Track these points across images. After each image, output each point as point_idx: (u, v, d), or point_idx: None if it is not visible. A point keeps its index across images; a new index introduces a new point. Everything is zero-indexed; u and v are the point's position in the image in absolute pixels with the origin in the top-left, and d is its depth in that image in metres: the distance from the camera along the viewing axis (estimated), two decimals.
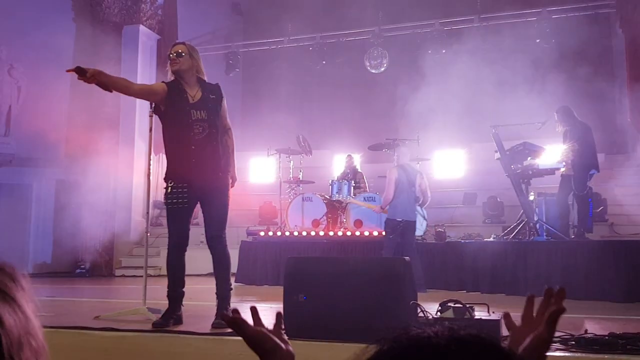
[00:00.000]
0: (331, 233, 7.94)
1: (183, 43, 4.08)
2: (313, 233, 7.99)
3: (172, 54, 3.95)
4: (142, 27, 10.52)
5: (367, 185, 8.93)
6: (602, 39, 11.17)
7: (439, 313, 3.27)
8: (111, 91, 3.88)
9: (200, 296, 4.92)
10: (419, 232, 7.04)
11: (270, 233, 8.31)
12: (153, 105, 4.10)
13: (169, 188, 3.92)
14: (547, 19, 10.16)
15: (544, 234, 6.51)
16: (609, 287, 5.43)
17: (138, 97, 3.99)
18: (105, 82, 3.79)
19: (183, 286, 4.03)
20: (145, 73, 10.35)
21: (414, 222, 6.59)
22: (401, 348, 0.70)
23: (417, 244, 7.36)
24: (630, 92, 8.70)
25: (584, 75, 9.41)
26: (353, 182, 8.75)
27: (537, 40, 10.47)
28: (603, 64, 10.95)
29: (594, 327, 3.31)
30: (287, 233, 8.15)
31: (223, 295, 3.94)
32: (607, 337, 2.92)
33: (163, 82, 3.99)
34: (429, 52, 10.94)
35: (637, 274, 5.45)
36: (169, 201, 3.93)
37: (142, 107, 8.84)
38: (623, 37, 9.27)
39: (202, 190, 3.90)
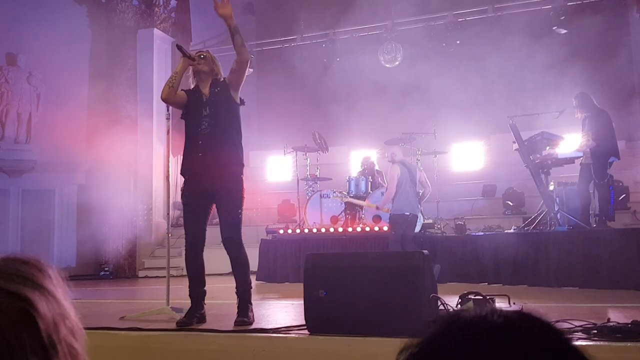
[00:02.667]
0: (350, 229, 7.96)
1: (207, 51, 4.27)
2: (332, 230, 8.01)
3: (197, 56, 4.09)
4: (156, 31, 10.62)
5: (385, 180, 8.92)
6: (620, 24, 10.99)
7: (459, 305, 3.27)
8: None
9: (222, 295, 4.98)
10: (417, 228, 7.05)
11: (290, 231, 8.35)
12: (170, 109, 4.26)
13: (185, 183, 4.07)
14: (562, 7, 10.02)
15: (565, 223, 6.45)
16: (632, 275, 5.37)
17: (175, 101, 4.07)
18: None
19: (204, 285, 4.08)
20: (160, 76, 10.44)
21: (417, 216, 6.66)
22: (460, 331, 0.68)
23: (438, 237, 7.36)
24: None
25: (601, 62, 9.29)
26: (371, 177, 8.76)
27: (553, 28, 10.33)
28: (621, 49, 10.76)
29: (617, 316, 3.28)
30: (306, 230, 8.19)
31: (243, 293, 3.98)
32: (630, 325, 2.90)
33: (182, 90, 4.12)
34: (443, 44, 10.87)
35: None
36: (184, 199, 4.06)
37: (160, 110, 8.95)
38: None
39: (213, 187, 3.95)
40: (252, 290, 4.07)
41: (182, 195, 4.11)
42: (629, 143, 9.84)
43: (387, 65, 11.43)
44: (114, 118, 10.16)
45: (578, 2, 10.06)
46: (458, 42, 10.74)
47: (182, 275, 9.06)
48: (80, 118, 10.11)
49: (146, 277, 9.40)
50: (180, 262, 9.43)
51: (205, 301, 4.09)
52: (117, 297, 6.78)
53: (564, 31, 10.11)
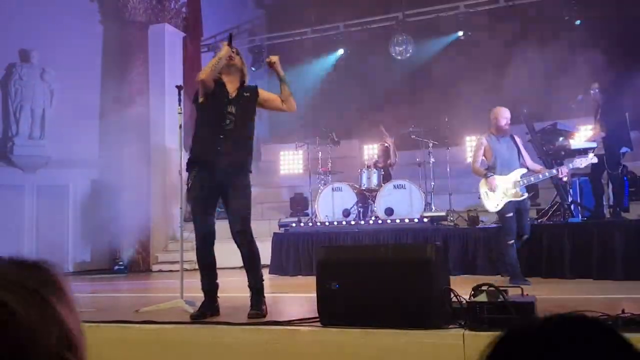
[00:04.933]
0: (362, 222, 7.96)
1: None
2: (344, 222, 8.02)
3: (233, 49, 4.16)
4: (167, 26, 10.65)
5: (395, 152, 8.86)
6: (631, 13, 10.84)
7: (472, 297, 3.27)
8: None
9: (234, 288, 5.01)
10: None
11: (302, 224, 8.37)
12: (182, 103, 4.33)
13: (193, 175, 4.06)
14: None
15: (579, 214, 6.41)
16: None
17: (209, 85, 4.10)
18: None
19: (216, 278, 4.12)
20: (172, 71, 10.49)
21: None
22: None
23: (450, 229, 7.33)
24: None
25: (613, 52, 9.16)
26: (383, 170, 8.76)
27: (566, 18, 10.22)
28: (633, 39, 10.62)
29: (632, 307, 3.26)
30: (319, 223, 8.21)
31: (255, 287, 4.01)
32: None
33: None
34: (455, 35, 10.79)
35: None
36: (193, 193, 4.07)
37: (172, 104, 8.96)
38: None
39: (224, 181, 3.99)
40: (264, 283, 4.09)
41: (189, 188, 4.11)
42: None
43: (399, 58, 11.37)
44: (127, 112, 10.21)
45: None
46: (470, 33, 10.65)
47: (195, 269, 9.06)
48: (93, 113, 10.18)
49: (160, 271, 9.47)
50: (194, 255, 9.45)
51: (219, 294, 4.12)
52: (131, 291, 6.85)
53: (578, 22, 10.00)
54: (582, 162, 5.72)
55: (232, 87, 4.13)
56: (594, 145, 6.62)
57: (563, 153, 6.64)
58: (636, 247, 5.53)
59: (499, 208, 5.65)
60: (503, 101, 10.80)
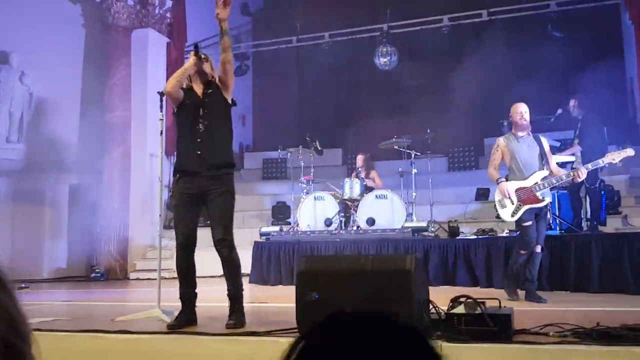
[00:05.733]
0: (343, 231, 7.96)
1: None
2: (326, 232, 8.01)
3: (202, 55, 4.14)
4: (151, 31, 10.59)
5: (380, 182, 8.93)
6: (613, 30, 11.07)
7: (450, 309, 3.28)
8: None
9: (214, 297, 4.96)
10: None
11: (283, 233, 8.34)
12: (164, 109, 4.33)
13: (175, 183, 4.10)
14: (556, 12, 10.07)
15: (557, 227, 6.48)
16: (622, 279, 5.41)
17: (176, 96, 4.12)
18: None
19: (194, 287, 4.07)
20: (155, 76, 10.42)
21: None
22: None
23: (430, 240, 7.36)
24: None
25: (595, 67, 9.33)
26: (365, 180, 8.78)
27: (547, 33, 10.39)
28: (614, 55, 10.83)
29: (606, 320, 3.29)
30: (300, 232, 8.19)
31: (234, 296, 3.98)
32: (618, 329, 2.92)
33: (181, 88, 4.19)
34: (438, 48, 10.90)
35: None
36: (174, 200, 4.09)
37: (154, 110, 8.90)
38: (633, 28, 9.15)
39: (206, 188, 3.97)
40: (243, 292, 4.07)
41: (171, 195, 4.13)
42: (620, 147, 9.85)
43: (383, 68, 11.45)
44: (107, 118, 10.13)
45: (572, 7, 10.10)
46: (453, 46, 10.77)
47: (173, 278, 8.98)
48: (73, 117, 10.07)
49: (138, 279, 9.36)
50: (172, 264, 9.35)
51: (198, 303, 4.08)
52: (108, 299, 6.75)
53: (559, 35, 10.17)
54: (613, 158, 5.07)
55: (200, 89, 4.14)
56: (572, 159, 6.72)
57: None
58: (612, 260, 5.60)
59: (517, 217, 5.13)
60: (485, 113, 10.97)
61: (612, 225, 7.52)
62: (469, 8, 10.60)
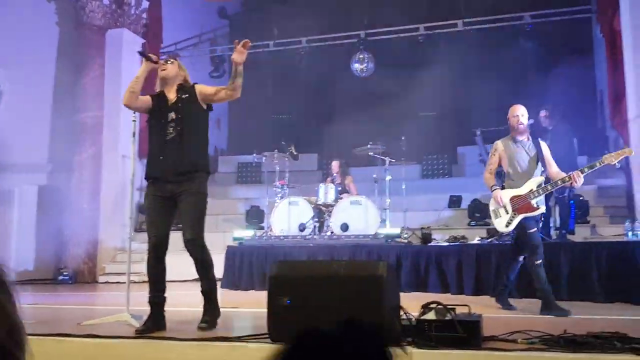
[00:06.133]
0: (317, 237, 7.96)
1: (175, 58, 4.36)
2: (299, 237, 8.00)
3: (152, 58, 4.09)
4: (126, 31, 10.47)
5: (355, 188, 8.96)
6: (584, 43, 11.32)
7: (421, 315, 3.30)
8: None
9: (185, 302, 4.91)
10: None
11: (257, 237, 8.31)
12: (137, 113, 4.33)
13: (147, 187, 4.06)
14: (529, 24, 10.27)
15: None
16: (590, 288, 5.51)
17: (137, 106, 4.13)
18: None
19: (164, 291, 4.03)
20: (129, 77, 10.20)
21: None
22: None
23: (403, 246, 7.40)
24: (612, 96, 8.81)
25: (566, 79, 9.53)
26: (340, 186, 8.80)
27: (520, 45, 10.59)
28: (585, 68, 11.08)
29: (573, 327, 3.35)
30: (274, 237, 8.16)
31: (208, 291, 3.99)
32: (584, 337, 2.97)
33: (149, 94, 4.16)
34: (415, 56, 11.01)
35: (617, 275, 5.54)
36: (147, 203, 4.05)
37: (127, 111, 8.79)
38: (604, 41, 9.38)
39: (177, 192, 3.95)
40: (216, 287, 4.06)
41: (145, 198, 4.08)
42: (591, 158, 10.08)
43: (360, 75, 11.52)
44: (80, 118, 9.97)
45: (546, 20, 10.31)
46: (428, 54, 10.89)
47: (143, 282, 8.87)
48: (44, 116, 9.89)
49: (107, 282, 9.21)
50: (143, 267, 9.24)
51: (167, 308, 4.04)
52: (75, 303, 6.62)
53: (530, 45, 10.38)
54: (612, 160, 4.64)
55: (172, 94, 4.09)
56: (542, 168, 6.82)
57: None
58: (580, 269, 5.70)
59: (511, 227, 4.86)
60: (458, 122, 11.08)
61: (581, 234, 7.67)
62: (444, 18, 10.74)
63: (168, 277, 4.07)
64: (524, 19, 10.31)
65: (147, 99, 4.10)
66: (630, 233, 6.20)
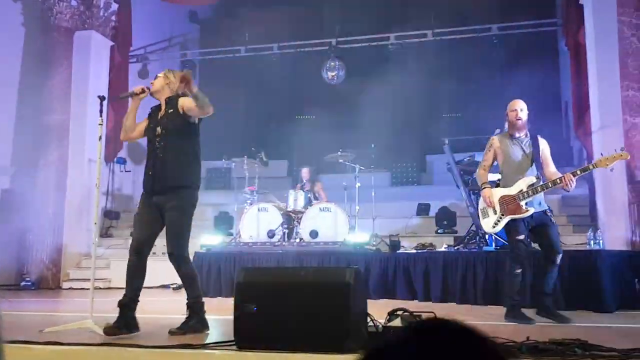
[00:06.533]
0: (286, 243, 7.94)
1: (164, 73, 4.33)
2: (268, 244, 7.97)
3: (136, 93, 4.22)
4: (94, 33, 10.32)
5: (325, 195, 8.98)
6: (550, 55, 11.61)
7: (387, 322, 3.32)
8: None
9: (152, 308, 4.84)
10: None
11: (225, 244, 8.24)
12: (103, 114, 4.28)
13: (140, 199, 4.21)
14: (497, 35, 10.49)
15: (493, 243, 6.69)
16: (553, 295, 5.60)
17: (134, 137, 4.31)
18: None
19: (135, 294, 4.03)
20: (97, 79, 10.15)
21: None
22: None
23: (371, 253, 7.44)
24: (576, 107, 9.04)
25: (532, 90, 9.74)
26: (310, 193, 8.81)
27: (488, 55, 10.80)
28: (550, 79, 11.36)
29: (536, 334, 3.41)
30: (242, 244, 8.11)
31: (190, 305, 4.07)
32: (547, 343, 3.03)
33: (150, 110, 4.29)
34: (385, 64, 11.12)
35: (580, 283, 5.66)
36: (137, 209, 4.22)
37: (93, 114, 8.66)
38: (569, 54, 9.63)
39: (160, 203, 4.03)
40: (199, 300, 4.09)
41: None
42: (558, 169, 10.30)
43: (331, 82, 11.58)
44: (45, 120, 9.77)
45: (513, 31, 10.54)
46: (398, 63, 11.01)
47: (108, 288, 8.76)
48: (8, 118, 9.66)
49: (71, 288, 9.02)
50: (108, 273, 9.16)
51: (145, 314, 4.03)
52: (38, 309, 6.45)
53: (497, 56, 10.59)
54: (607, 164, 4.40)
55: (162, 108, 4.18)
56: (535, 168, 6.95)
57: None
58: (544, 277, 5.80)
59: (497, 229, 4.65)
60: (427, 131, 11.20)
61: None
62: (415, 27, 10.88)
63: (148, 283, 4.08)
64: (491, 30, 10.53)
65: (142, 126, 4.21)
66: (592, 242, 6.36)
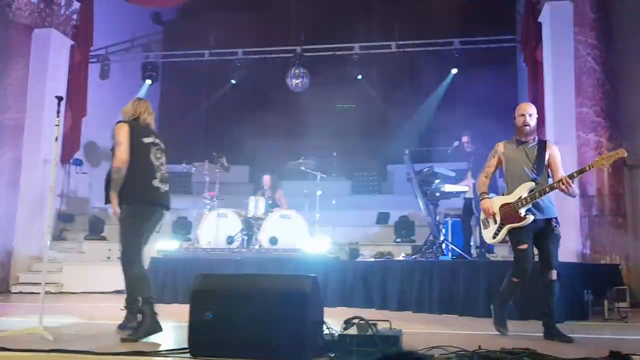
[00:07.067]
0: (245, 250, 7.90)
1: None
2: (227, 250, 7.91)
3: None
4: (54, 31, 10.07)
5: (286, 202, 8.97)
6: (510, 70, 11.92)
7: (343, 330, 3.34)
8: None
9: (110, 314, 4.74)
10: None
11: (182, 250, 8.14)
12: (60, 114, 4.21)
13: None
14: (458, 49, 10.72)
15: (449, 253, 6.81)
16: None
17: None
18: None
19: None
20: (55, 79, 9.90)
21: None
22: None
23: (330, 261, 7.47)
24: None
25: (491, 104, 9.99)
26: (270, 200, 8.79)
27: (450, 69, 11.02)
28: (509, 94, 11.66)
29: (488, 343, 3.49)
30: (200, 250, 8.02)
31: (128, 308, 4.27)
32: (497, 352, 3.10)
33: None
34: (349, 74, 11.22)
35: (532, 293, 5.80)
36: None
37: (50, 114, 8.44)
38: (527, 70, 9.91)
39: None
40: (138, 305, 4.11)
41: None
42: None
43: (295, 90, 11.60)
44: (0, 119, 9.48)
45: (474, 46, 10.79)
46: (360, 76, 11.13)
47: (60, 292, 8.52)
48: None
49: (20, 292, 8.74)
50: (60, 277, 8.92)
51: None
52: None
53: (454, 71, 10.84)
54: (603, 163, 4.11)
55: None
56: (466, 189, 7.12)
57: (438, 194, 7.06)
58: (498, 287, 5.91)
59: (498, 239, 4.42)
60: (389, 141, 11.33)
61: (500, 253, 8.01)
62: (379, 39, 11.03)
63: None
64: (453, 44, 10.76)
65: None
66: None
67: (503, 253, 8.24)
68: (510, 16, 11.56)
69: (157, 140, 4.45)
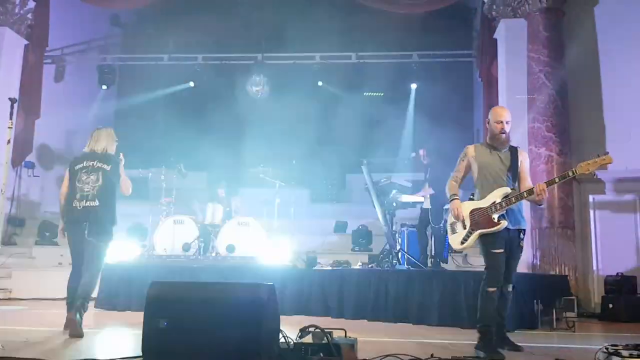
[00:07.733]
0: (201, 257, 7.82)
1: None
2: (183, 257, 7.81)
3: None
4: (7, 30, 9.78)
5: (243, 209, 8.93)
6: (466, 84, 12.24)
7: (299, 338, 3.36)
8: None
9: (50, 321, 4.62)
10: None
11: (137, 256, 8.00)
12: (13, 117, 4.13)
13: None
14: (417, 63, 10.94)
15: (405, 262, 6.92)
16: (458, 314, 5.87)
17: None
18: None
19: None
20: (7, 80, 9.60)
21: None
22: None
23: (287, 269, 7.47)
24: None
25: (447, 117, 10.22)
26: (228, 207, 8.74)
27: (408, 81, 11.24)
28: (465, 107, 11.96)
29: (440, 352, 3.56)
30: (155, 256, 7.90)
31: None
32: None
33: None
34: (309, 83, 11.29)
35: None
36: None
37: (2, 116, 8.19)
38: (482, 85, 10.19)
39: None
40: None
41: None
42: (466, 192, 10.81)
43: (255, 97, 11.59)
44: None
45: (431, 60, 11.03)
46: (320, 83, 11.22)
47: (9, 299, 8.24)
48: None
49: None
50: (9, 283, 8.62)
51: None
52: None
53: (415, 85, 11.06)
54: (588, 169, 3.92)
55: None
56: (421, 200, 7.25)
57: (395, 204, 7.18)
58: (451, 296, 6.06)
59: (467, 245, 4.19)
60: (348, 150, 11.43)
61: (454, 262, 8.18)
62: (340, 49, 11.15)
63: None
64: (412, 57, 10.98)
65: None
66: None
67: (458, 262, 8.42)
68: (467, 32, 11.88)
69: (90, 163, 4.99)
